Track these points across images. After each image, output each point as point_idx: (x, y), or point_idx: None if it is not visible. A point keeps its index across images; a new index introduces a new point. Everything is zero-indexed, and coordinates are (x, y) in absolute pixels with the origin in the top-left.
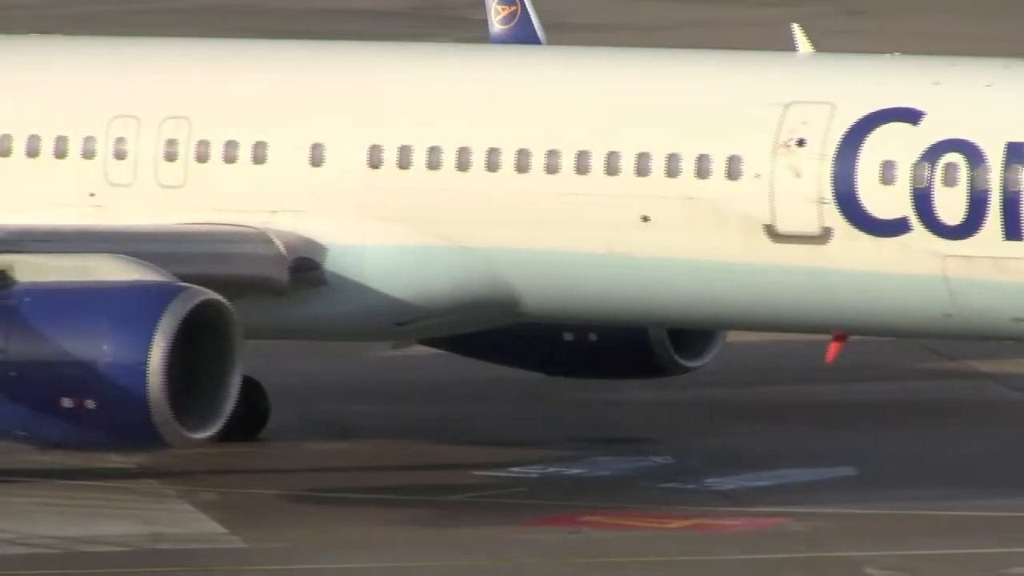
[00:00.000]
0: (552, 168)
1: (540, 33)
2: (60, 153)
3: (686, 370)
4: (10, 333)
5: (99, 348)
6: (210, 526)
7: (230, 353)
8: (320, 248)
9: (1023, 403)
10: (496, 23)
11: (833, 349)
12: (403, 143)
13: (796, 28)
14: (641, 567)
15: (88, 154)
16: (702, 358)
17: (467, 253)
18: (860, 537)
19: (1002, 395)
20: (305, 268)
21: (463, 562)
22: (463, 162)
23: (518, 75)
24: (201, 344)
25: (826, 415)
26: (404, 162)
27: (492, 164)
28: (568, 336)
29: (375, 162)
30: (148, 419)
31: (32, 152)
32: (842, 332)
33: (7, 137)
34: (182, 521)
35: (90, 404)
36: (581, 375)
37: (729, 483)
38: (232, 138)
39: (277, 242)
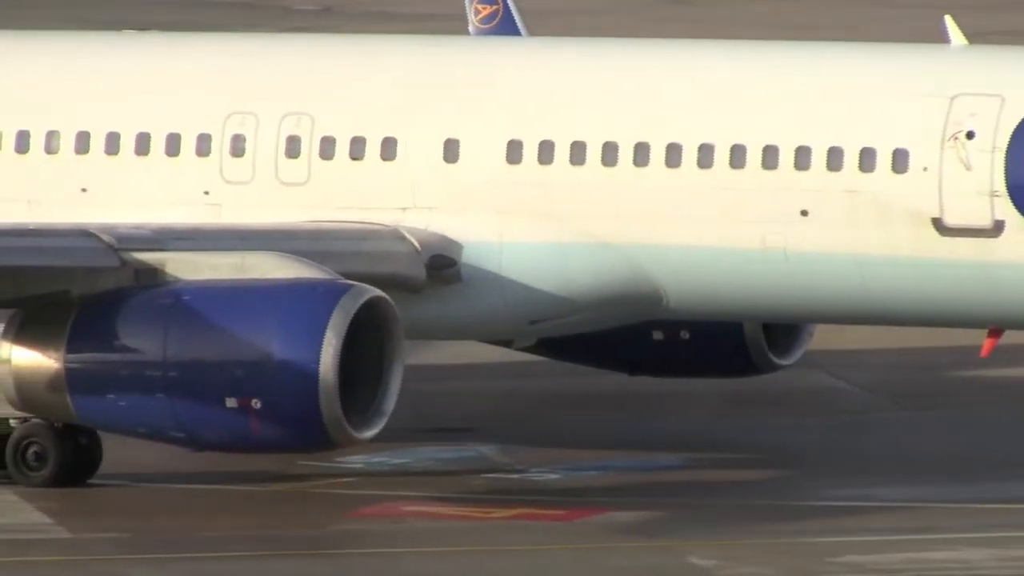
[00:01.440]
0: (705, 163)
1: (524, 32)
2: (172, 151)
3: (777, 368)
4: (169, 332)
5: (267, 346)
6: (35, 516)
7: (392, 351)
8: (456, 245)
9: (848, 392)
10: (476, 22)
11: (988, 345)
12: (544, 138)
13: (948, 20)
14: (465, 556)
15: (202, 151)
16: (791, 355)
17: (609, 249)
18: (684, 527)
19: (827, 383)
20: (441, 265)
21: (286, 552)
22: (608, 157)
23: (663, 68)
24: (361, 342)
25: (651, 406)
26: (545, 158)
27: (640, 159)
28: (658, 335)
29: (514, 158)
30: (318, 418)
31: (142, 150)
32: (1002, 328)
33: (114, 135)
34: (6, 511)
35: (256, 403)
36: (671, 374)
37: (554, 473)
38: (359, 134)
39: (411, 239)
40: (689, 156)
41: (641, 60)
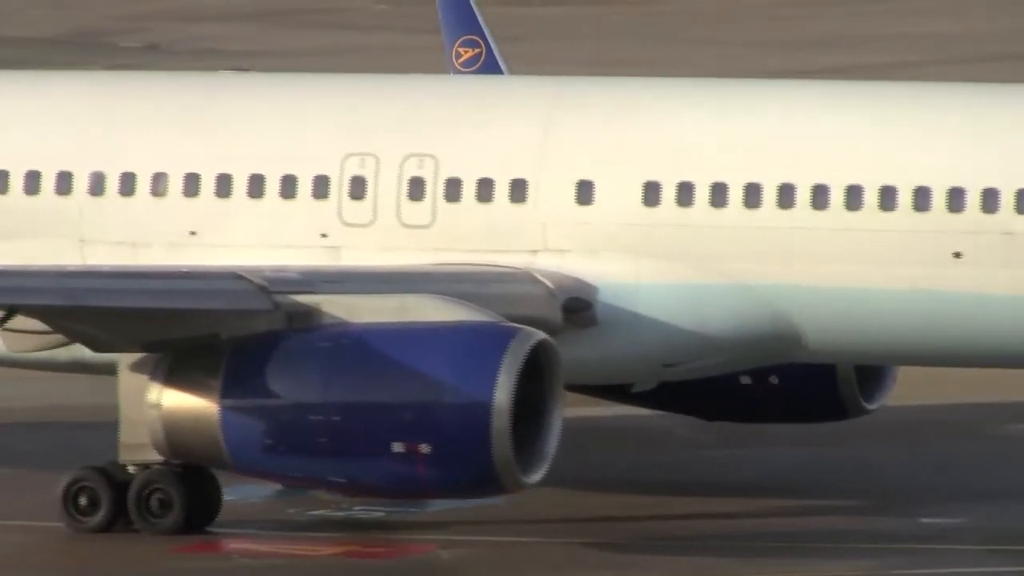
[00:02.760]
0: (853, 205)
1: (507, 73)
2: (287, 193)
3: (866, 412)
4: (332, 376)
5: (437, 390)
6: None
7: (553, 394)
8: (590, 287)
9: (666, 428)
10: (458, 65)
11: None
12: (682, 180)
13: None
14: None
15: (319, 193)
16: (877, 399)
17: (748, 291)
18: (506, 565)
19: (645, 421)
20: (576, 308)
21: None
22: (751, 199)
23: (807, 108)
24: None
25: None
26: (684, 200)
27: (784, 201)
28: (746, 379)
29: (651, 200)
30: (489, 463)
31: (255, 192)
32: None
33: (226, 178)
34: None
35: (424, 448)
36: (757, 420)
37: (379, 511)
38: (486, 176)
39: (546, 282)
40: (836, 198)
41: (784, 100)
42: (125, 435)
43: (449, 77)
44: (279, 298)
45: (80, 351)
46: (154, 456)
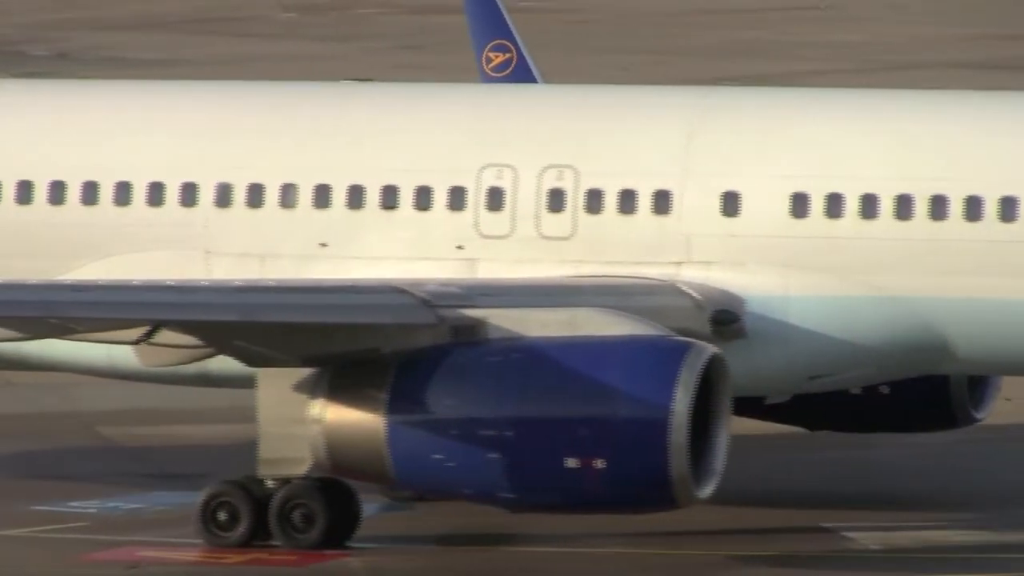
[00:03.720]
0: (1007, 216)
1: (539, 79)
2: (422, 204)
3: (975, 421)
4: (503, 391)
5: (613, 404)
6: None
7: (720, 408)
8: (738, 299)
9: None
10: (489, 70)
11: None
12: (831, 191)
13: None
14: None
15: (455, 205)
16: (985, 408)
17: (897, 303)
18: (420, 572)
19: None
20: (724, 320)
21: None
22: (902, 211)
23: (953, 118)
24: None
25: None
26: (833, 211)
27: (937, 212)
28: (856, 389)
29: (799, 211)
30: (665, 478)
31: (388, 203)
32: None
33: (358, 189)
34: None
35: (599, 463)
36: (865, 429)
37: None
38: (628, 187)
39: (693, 294)
40: (990, 208)
41: (934, 110)
42: (265, 450)
43: (585, 87)
44: (443, 312)
45: (206, 365)
46: (295, 470)
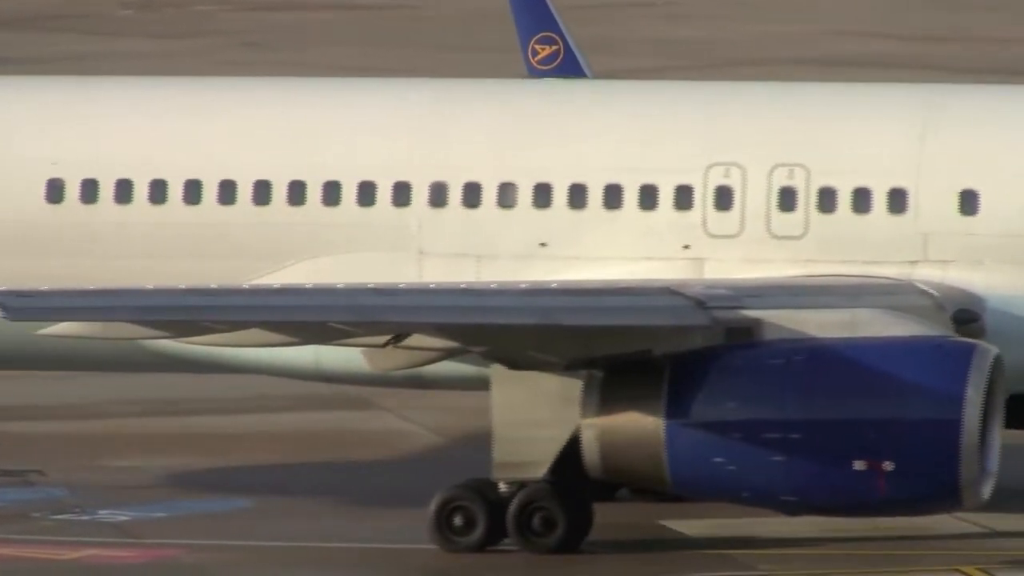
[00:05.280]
0: None
1: (588, 72)
2: (647, 204)
3: None
4: (788, 394)
5: (903, 406)
6: None
7: (995, 408)
8: (978, 298)
9: (415, 433)
10: (535, 63)
11: None
12: None
13: None
14: None
15: (682, 204)
16: None
17: None
18: (252, 569)
19: (394, 425)
20: (965, 320)
21: None
22: None
23: None
24: None
25: (220, 447)
26: None
27: None
28: None
29: None
30: (954, 480)
31: (612, 203)
32: None
33: (580, 188)
34: None
35: (888, 466)
36: None
37: (123, 515)
38: (862, 186)
39: (933, 293)
40: None
41: None
42: (500, 453)
43: (808, 84)
44: (717, 313)
45: (423, 368)
46: (531, 474)
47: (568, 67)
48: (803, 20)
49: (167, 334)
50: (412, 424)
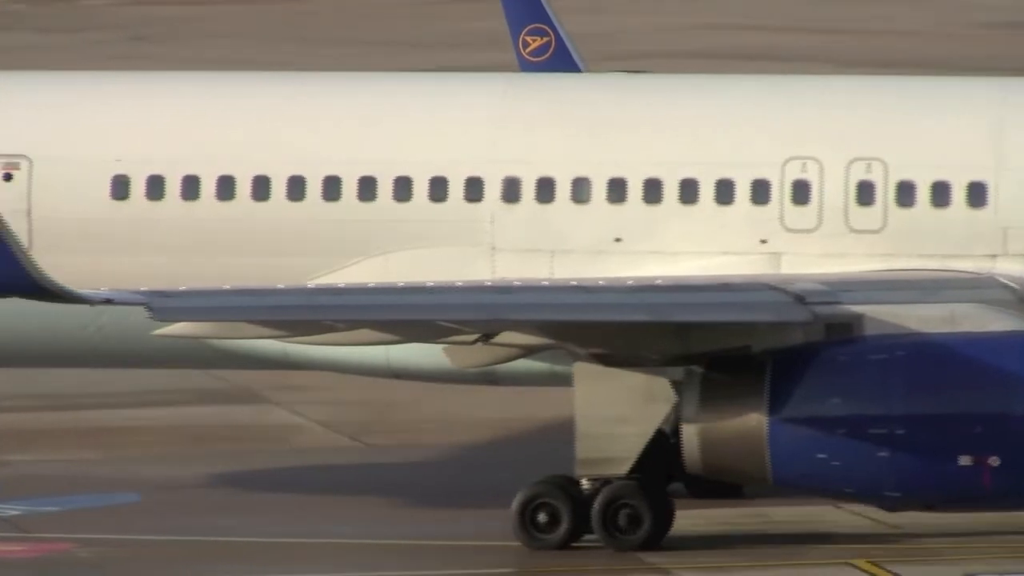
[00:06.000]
0: None
1: (581, 65)
2: (723, 198)
3: None
4: (893, 389)
5: (1009, 401)
6: None
7: None
8: None
9: (304, 427)
10: (526, 55)
11: None
12: None
13: None
14: None
15: (759, 199)
16: None
17: None
18: (146, 563)
19: (284, 419)
20: None
21: None
22: None
23: None
24: None
25: (112, 442)
26: None
27: None
28: None
29: None
30: None
31: (688, 198)
32: None
33: (655, 183)
34: None
35: (994, 461)
36: None
37: (14, 509)
38: (941, 179)
39: (1015, 287)
40: None
41: None
42: (584, 449)
43: (885, 78)
44: (817, 308)
45: (497, 365)
46: (615, 470)
47: (560, 59)
48: (679, 13)
49: (289, 334)
50: (303, 418)
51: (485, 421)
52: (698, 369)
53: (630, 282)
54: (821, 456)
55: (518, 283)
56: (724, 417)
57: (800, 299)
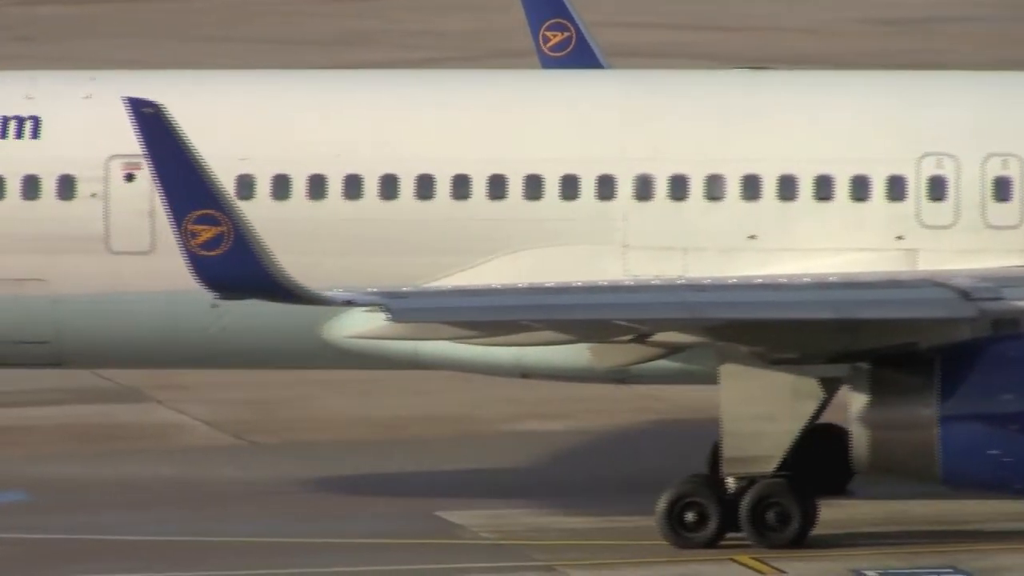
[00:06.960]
0: None
1: (602, 60)
2: (859, 195)
3: None
4: None
5: None
6: None
7: None
8: None
9: (189, 424)
10: (546, 50)
11: None
12: None
13: None
14: None
15: (895, 195)
16: None
17: None
18: (29, 563)
19: (169, 418)
20: None
21: None
22: None
23: None
24: None
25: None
26: None
27: None
28: None
29: None
30: None
31: (823, 195)
32: None
33: (790, 179)
34: None
35: None
36: None
37: None
38: None
39: None
40: None
41: None
42: (730, 448)
43: (1015, 73)
44: (983, 305)
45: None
46: (762, 468)
47: (581, 54)
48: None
49: (485, 335)
50: (186, 416)
51: (375, 419)
52: (865, 366)
53: (806, 279)
54: (993, 452)
55: (708, 281)
56: (895, 415)
57: (965, 295)
